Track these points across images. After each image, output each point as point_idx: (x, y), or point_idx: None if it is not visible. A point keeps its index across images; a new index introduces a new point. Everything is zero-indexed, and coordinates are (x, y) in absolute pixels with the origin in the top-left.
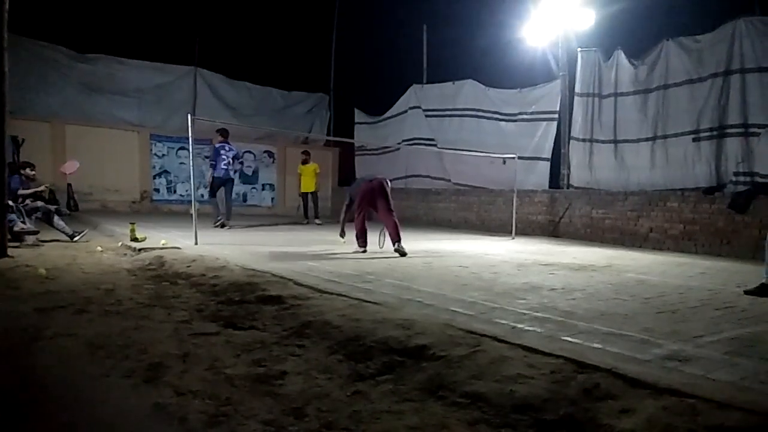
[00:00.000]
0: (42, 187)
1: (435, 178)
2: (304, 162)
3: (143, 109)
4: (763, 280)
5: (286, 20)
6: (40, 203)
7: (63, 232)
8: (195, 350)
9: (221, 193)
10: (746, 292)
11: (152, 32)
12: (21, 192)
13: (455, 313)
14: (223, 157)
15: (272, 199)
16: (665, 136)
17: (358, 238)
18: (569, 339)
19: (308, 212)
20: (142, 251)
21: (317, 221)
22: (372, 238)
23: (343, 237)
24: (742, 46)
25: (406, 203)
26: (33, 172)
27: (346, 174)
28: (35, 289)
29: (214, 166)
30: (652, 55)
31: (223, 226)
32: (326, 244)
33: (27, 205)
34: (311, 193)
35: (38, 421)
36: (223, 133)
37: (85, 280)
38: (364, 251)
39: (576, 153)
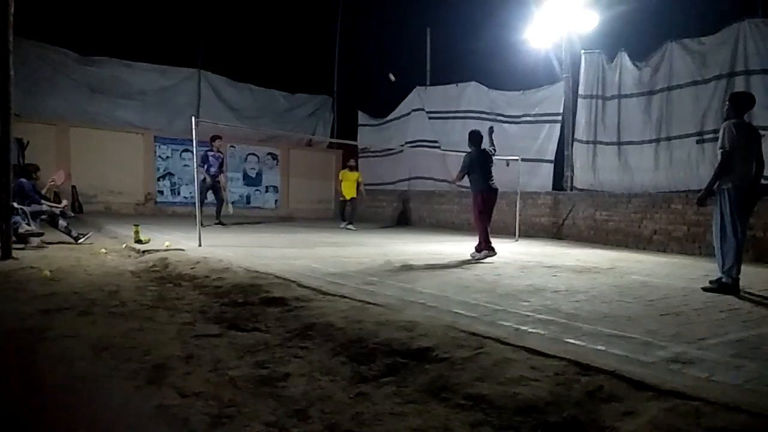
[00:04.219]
0: (64, 202)
1: (438, 180)
2: (351, 169)
3: (147, 112)
4: (722, 278)
5: (290, 22)
6: (45, 206)
7: (67, 234)
8: (198, 352)
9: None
10: (704, 289)
11: (156, 35)
12: (43, 205)
13: (458, 315)
14: (212, 162)
15: (276, 201)
16: (669, 138)
17: (486, 242)
18: (573, 341)
19: (345, 216)
20: (145, 253)
21: (351, 227)
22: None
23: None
24: (746, 47)
25: (410, 205)
26: (39, 173)
27: None
28: (39, 291)
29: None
30: (656, 56)
31: (219, 223)
32: (330, 246)
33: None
34: (351, 199)
35: (42, 422)
36: (212, 139)
37: (89, 282)
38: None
39: (579, 155)
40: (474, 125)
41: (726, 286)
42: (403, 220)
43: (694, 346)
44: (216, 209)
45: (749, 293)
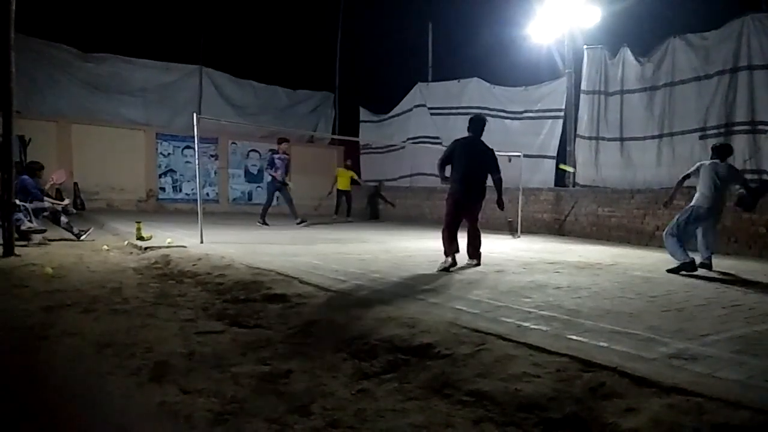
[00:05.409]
0: (66, 201)
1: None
2: (348, 168)
3: (149, 108)
4: (682, 260)
5: (291, 19)
6: (47, 203)
7: (69, 231)
8: (200, 349)
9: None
10: (668, 270)
11: (158, 31)
12: (45, 202)
13: (460, 312)
14: (278, 165)
15: (277, 198)
16: (672, 134)
17: (448, 248)
18: (575, 337)
19: (339, 209)
20: (147, 250)
21: (350, 219)
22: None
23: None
24: (750, 43)
25: (412, 201)
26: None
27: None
28: (42, 288)
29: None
30: (659, 52)
31: (302, 222)
32: (331, 243)
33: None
34: (345, 191)
35: (45, 420)
36: (279, 141)
37: (92, 279)
38: (454, 264)
39: (582, 151)
40: None
41: (685, 264)
42: (373, 215)
43: (697, 343)
44: (290, 209)
45: (750, 287)
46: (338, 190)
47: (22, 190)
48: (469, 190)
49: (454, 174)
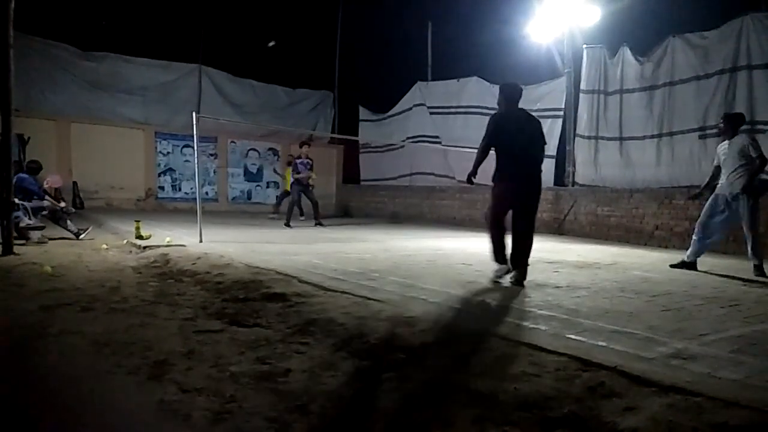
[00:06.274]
0: (63, 204)
1: (439, 176)
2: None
3: (148, 107)
4: (684, 258)
5: (291, 17)
6: (46, 202)
7: (68, 230)
8: (199, 347)
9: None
10: (671, 266)
11: (157, 30)
12: (45, 201)
13: (459, 311)
14: (300, 168)
15: (276, 197)
16: (671, 134)
17: (498, 253)
18: (574, 337)
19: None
20: (146, 249)
21: (302, 217)
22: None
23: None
24: (749, 42)
25: (411, 200)
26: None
27: (350, 172)
28: (41, 287)
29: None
30: (658, 51)
31: (319, 224)
32: (331, 242)
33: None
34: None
35: (44, 419)
36: (300, 145)
37: (91, 278)
38: (509, 270)
39: (581, 150)
40: (475, 120)
41: (685, 263)
42: (347, 212)
43: (695, 342)
44: (313, 210)
45: (749, 287)
46: (287, 190)
47: (20, 189)
48: (527, 174)
49: (502, 158)
